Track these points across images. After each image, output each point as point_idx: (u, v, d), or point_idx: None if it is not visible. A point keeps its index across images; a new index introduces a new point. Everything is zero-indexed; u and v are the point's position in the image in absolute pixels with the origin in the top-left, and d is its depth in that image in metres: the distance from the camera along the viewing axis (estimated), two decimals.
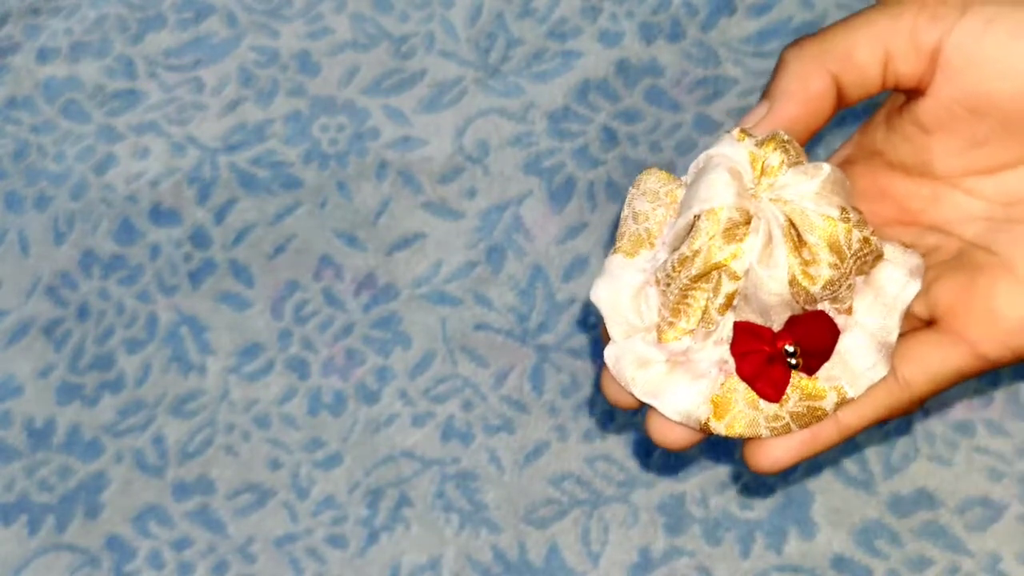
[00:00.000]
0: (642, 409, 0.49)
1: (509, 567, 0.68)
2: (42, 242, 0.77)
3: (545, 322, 0.73)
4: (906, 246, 0.50)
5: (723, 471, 0.69)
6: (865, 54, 0.49)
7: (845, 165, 0.53)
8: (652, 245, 0.50)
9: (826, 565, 0.67)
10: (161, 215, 0.78)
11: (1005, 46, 0.48)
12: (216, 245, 0.77)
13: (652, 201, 0.50)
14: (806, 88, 0.49)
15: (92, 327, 0.75)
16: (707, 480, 0.69)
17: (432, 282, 0.75)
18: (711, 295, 0.48)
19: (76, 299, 0.76)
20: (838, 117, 0.77)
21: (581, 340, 0.73)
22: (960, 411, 0.70)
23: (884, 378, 0.49)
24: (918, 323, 0.50)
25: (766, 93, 0.50)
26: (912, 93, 0.49)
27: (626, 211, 0.50)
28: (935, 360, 0.49)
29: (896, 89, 0.50)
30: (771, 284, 0.47)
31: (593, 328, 0.73)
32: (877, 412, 0.50)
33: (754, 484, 0.69)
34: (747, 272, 0.47)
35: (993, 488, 0.68)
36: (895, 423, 0.70)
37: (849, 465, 0.69)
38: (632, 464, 0.70)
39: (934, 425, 0.70)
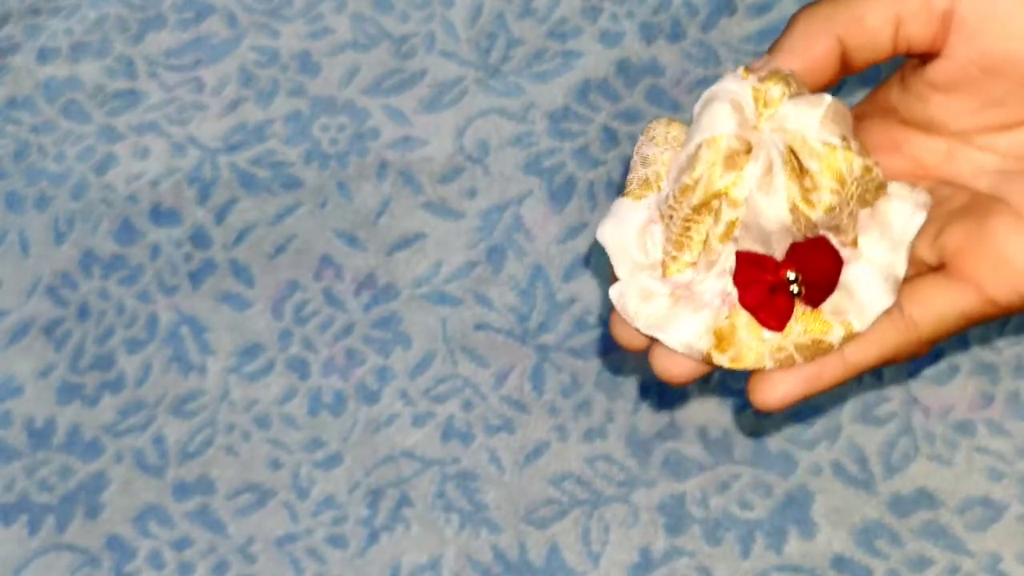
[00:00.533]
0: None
1: (509, 567, 0.68)
2: (42, 242, 0.77)
3: (545, 322, 0.73)
4: (913, 185, 0.50)
5: (723, 471, 0.70)
6: (875, 18, 0.49)
7: (858, 120, 0.53)
8: (659, 188, 0.50)
9: (826, 565, 0.67)
10: (161, 215, 0.78)
11: (1021, 5, 0.48)
12: (216, 245, 0.77)
13: (660, 145, 0.50)
14: (810, 48, 0.50)
15: (92, 327, 0.75)
16: (707, 480, 0.69)
17: (432, 282, 0.75)
18: (712, 224, 0.47)
19: (76, 299, 0.76)
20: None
21: (581, 340, 0.73)
22: (960, 411, 0.70)
23: (891, 316, 0.48)
24: (925, 268, 0.50)
25: (771, 49, 0.50)
26: (926, 56, 0.49)
27: (635, 157, 0.50)
28: (943, 302, 0.49)
29: (908, 54, 0.50)
30: (771, 210, 0.47)
31: (593, 328, 0.73)
32: (884, 351, 0.49)
33: (754, 483, 0.69)
34: (747, 199, 0.47)
35: (993, 488, 0.68)
36: (895, 423, 0.70)
37: (849, 465, 0.69)
38: (632, 464, 0.70)
39: (934, 425, 0.70)
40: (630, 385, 0.72)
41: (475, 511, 0.70)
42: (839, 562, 0.67)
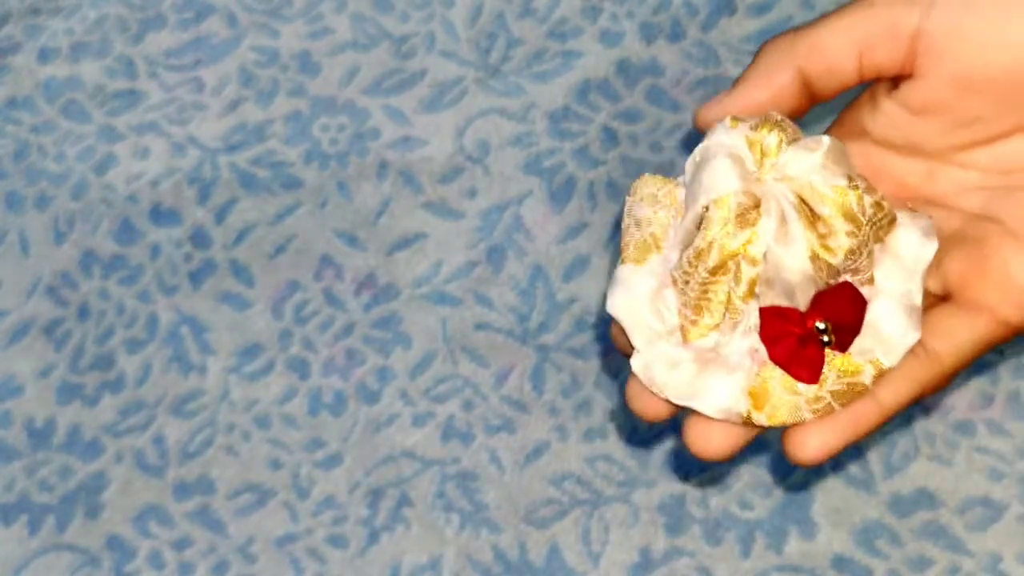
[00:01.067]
0: (674, 418, 0.48)
1: (509, 567, 0.68)
2: (42, 242, 0.77)
3: (546, 322, 0.73)
4: (911, 208, 0.50)
5: (724, 471, 0.70)
6: (837, 47, 0.49)
7: None
8: (660, 249, 0.49)
9: (826, 565, 0.67)
10: (161, 215, 0.78)
11: (990, 20, 0.47)
12: (216, 245, 0.77)
13: (652, 205, 0.49)
14: (772, 80, 0.49)
15: (92, 327, 0.75)
16: (707, 480, 0.69)
17: (432, 282, 0.75)
18: (732, 284, 0.47)
19: (76, 299, 0.76)
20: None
21: (582, 340, 0.73)
22: (961, 411, 0.70)
23: (915, 352, 0.48)
24: (933, 299, 0.50)
25: (737, 81, 0.50)
26: (897, 79, 0.49)
27: (627, 220, 0.49)
28: (961, 332, 0.49)
29: (877, 79, 0.50)
30: (792, 262, 0.46)
31: (593, 328, 0.73)
32: (913, 388, 0.49)
33: (754, 483, 0.69)
34: (765, 255, 0.46)
35: (993, 488, 0.68)
36: (895, 423, 0.70)
37: (849, 465, 0.69)
38: (632, 464, 0.70)
39: (934, 425, 0.70)
40: None
41: (475, 511, 0.70)
42: (839, 562, 0.67)
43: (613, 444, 0.71)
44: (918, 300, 0.48)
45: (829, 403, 0.48)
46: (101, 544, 0.70)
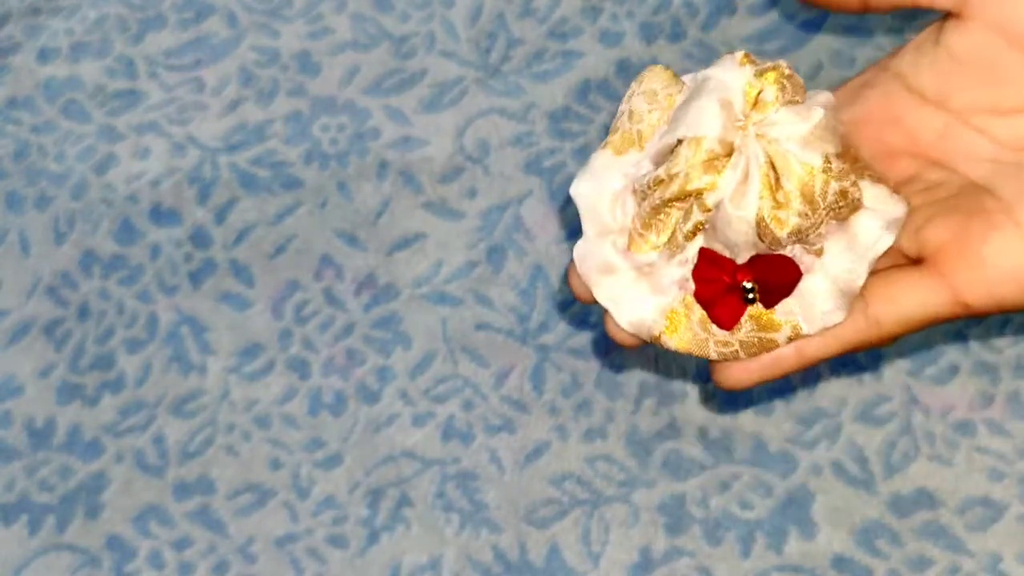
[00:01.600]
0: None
1: (509, 567, 0.68)
2: (43, 242, 0.77)
3: (546, 322, 0.73)
4: (896, 191, 0.50)
5: (724, 471, 0.70)
6: None
7: (864, 88, 0.52)
8: (641, 147, 0.50)
9: (826, 565, 0.67)
10: (161, 215, 0.78)
11: None
12: (216, 245, 0.77)
13: (650, 102, 0.50)
14: None
15: (92, 327, 0.75)
16: (707, 480, 0.69)
17: (432, 282, 0.75)
18: (681, 220, 0.48)
19: (76, 299, 0.76)
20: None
21: (582, 340, 0.73)
22: (961, 411, 0.70)
23: (855, 311, 0.49)
24: (903, 259, 0.50)
25: None
26: (948, 15, 0.49)
27: (623, 106, 0.50)
28: (911, 302, 0.49)
29: (932, 7, 0.50)
30: (738, 224, 0.47)
31: (593, 328, 0.73)
32: (841, 346, 0.50)
33: (754, 483, 0.69)
34: (718, 206, 0.47)
35: (993, 488, 0.68)
36: (895, 423, 0.70)
37: (849, 465, 0.69)
38: (632, 464, 0.70)
39: (934, 425, 0.70)
40: (630, 385, 0.72)
41: (475, 511, 0.70)
42: (839, 562, 0.67)
43: (613, 444, 0.71)
44: (858, 285, 0.49)
45: (736, 350, 0.49)
46: (101, 544, 0.70)
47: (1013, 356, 0.71)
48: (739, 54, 0.48)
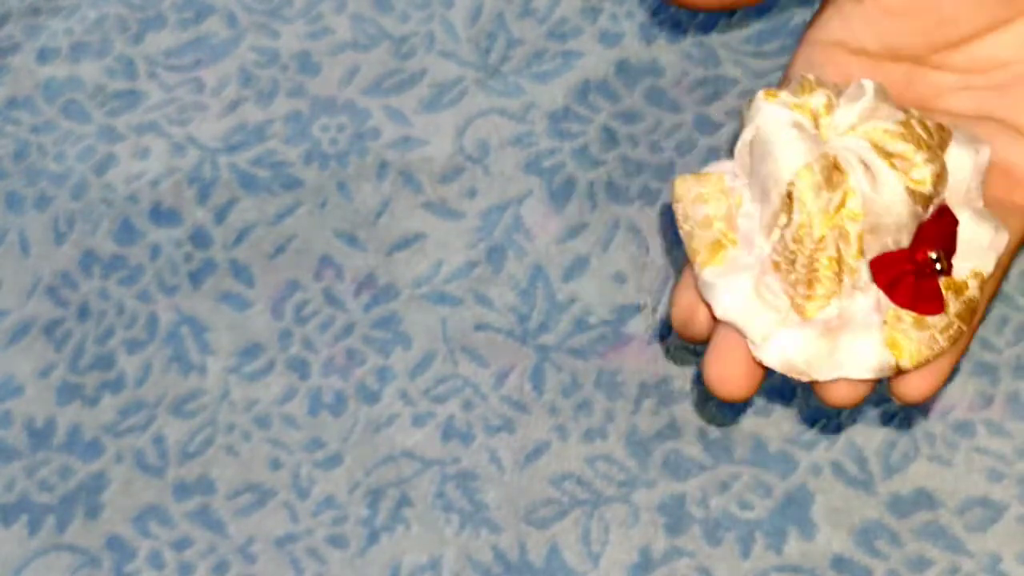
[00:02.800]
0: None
1: (509, 567, 0.68)
2: (42, 242, 0.77)
3: (546, 322, 0.73)
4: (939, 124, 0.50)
5: (723, 471, 0.70)
6: None
7: (807, 68, 0.52)
8: (733, 241, 0.49)
9: (826, 565, 0.67)
10: (161, 215, 0.78)
11: None
12: (216, 245, 0.77)
13: (704, 203, 0.49)
14: None
15: (92, 327, 0.75)
16: (707, 480, 0.69)
17: (432, 282, 0.75)
18: (842, 246, 0.47)
19: (76, 299, 0.76)
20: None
21: (582, 340, 0.73)
22: (960, 411, 0.70)
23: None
24: None
25: None
26: None
27: (684, 226, 0.49)
28: (1014, 225, 0.50)
29: None
30: (893, 205, 0.47)
31: (593, 328, 0.73)
32: (989, 287, 0.50)
33: (753, 484, 0.69)
34: (864, 206, 0.47)
35: (993, 489, 0.68)
36: (895, 423, 0.70)
37: (849, 465, 0.69)
38: (632, 464, 0.70)
39: (934, 425, 0.70)
40: (630, 385, 0.72)
41: (475, 511, 0.70)
42: (839, 562, 0.67)
43: (613, 444, 0.71)
44: (982, 204, 0.49)
45: (958, 326, 0.48)
46: (101, 544, 0.70)
47: (1012, 356, 0.71)
48: (759, 95, 0.48)
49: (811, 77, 0.47)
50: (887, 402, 0.70)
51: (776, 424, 0.70)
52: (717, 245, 0.49)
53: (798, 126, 0.47)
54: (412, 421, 0.72)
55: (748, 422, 0.70)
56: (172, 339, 0.75)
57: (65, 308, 0.76)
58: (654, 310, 0.73)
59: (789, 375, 0.49)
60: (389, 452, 0.71)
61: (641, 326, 0.73)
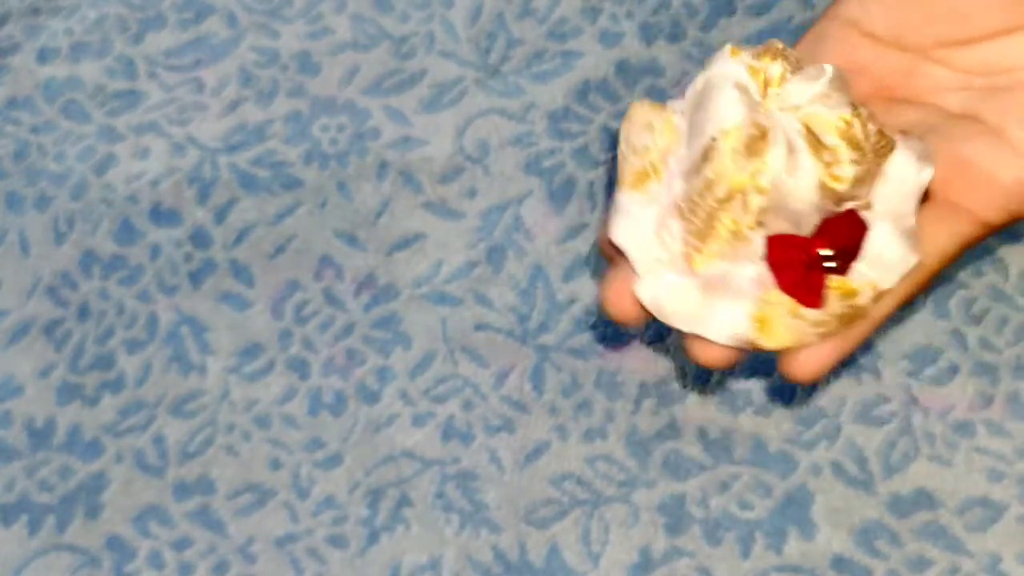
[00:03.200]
0: (652, 330, 0.50)
1: (509, 567, 0.68)
2: (42, 242, 0.77)
3: (546, 322, 0.73)
4: (904, 133, 0.50)
5: (723, 471, 0.70)
6: None
7: (819, 41, 0.52)
8: (659, 176, 0.49)
9: (826, 565, 0.67)
10: (161, 215, 0.78)
11: None
12: (216, 245, 0.77)
13: (649, 132, 0.49)
14: None
15: (92, 327, 0.75)
16: (707, 480, 0.69)
17: (432, 282, 0.75)
18: (740, 214, 0.47)
19: (76, 299, 0.76)
20: None
21: (581, 340, 0.73)
22: (960, 411, 0.70)
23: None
24: None
25: None
26: None
27: (623, 147, 0.50)
28: (943, 235, 0.49)
29: None
30: (800, 192, 0.47)
31: (594, 328, 0.73)
32: (898, 297, 0.50)
33: (753, 484, 0.69)
34: (774, 184, 0.47)
35: (993, 488, 0.68)
36: (895, 423, 0.70)
37: (849, 465, 0.69)
38: (632, 464, 0.70)
39: (934, 425, 0.70)
40: (630, 385, 0.72)
41: (475, 511, 0.70)
42: (839, 563, 0.67)
43: (613, 444, 0.71)
44: (912, 223, 0.49)
45: (832, 324, 0.49)
46: (101, 544, 0.70)
47: (1012, 356, 0.71)
48: (727, 48, 0.48)
49: (780, 45, 0.48)
50: (888, 401, 0.70)
51: (776, 424, 0.70)
52: (643, 175, 0.49)
53: (741, 88, 0.47)
54: (412, 421, 0.72)
55: (748, 422, 0.70)
56: (172, 339, 0.75)
57: (65, 308, 0.76)
58: None
59: (654, 315, 0.50)
60: (389, 452, 0.71)
61: (641, 326, 0.73)
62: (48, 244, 0.77)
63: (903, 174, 0.49)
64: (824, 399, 0.71)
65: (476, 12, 0.82)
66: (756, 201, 0.47)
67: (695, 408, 0.71)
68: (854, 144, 0.47)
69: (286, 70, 0.81)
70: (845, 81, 0.48)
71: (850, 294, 0.49)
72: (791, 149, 0.47)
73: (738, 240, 0.48)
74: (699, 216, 0.48)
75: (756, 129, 0.47)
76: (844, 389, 0.71)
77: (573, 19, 0.81)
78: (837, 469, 0.69)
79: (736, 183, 0.47)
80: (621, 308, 0.50)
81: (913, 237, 0.49)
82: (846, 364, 0.72)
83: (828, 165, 0.47)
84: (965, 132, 0.49)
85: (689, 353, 0.50)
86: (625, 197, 0.49)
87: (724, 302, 0.49)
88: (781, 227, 0.48)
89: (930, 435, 0.69)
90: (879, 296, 0.49)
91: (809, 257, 0.48)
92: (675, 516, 0.69)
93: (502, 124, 0.78)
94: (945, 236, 0.49)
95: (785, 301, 0.48)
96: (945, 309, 0.72)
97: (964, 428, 0.69)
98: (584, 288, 0.74)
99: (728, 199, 0.47)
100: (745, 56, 0.48)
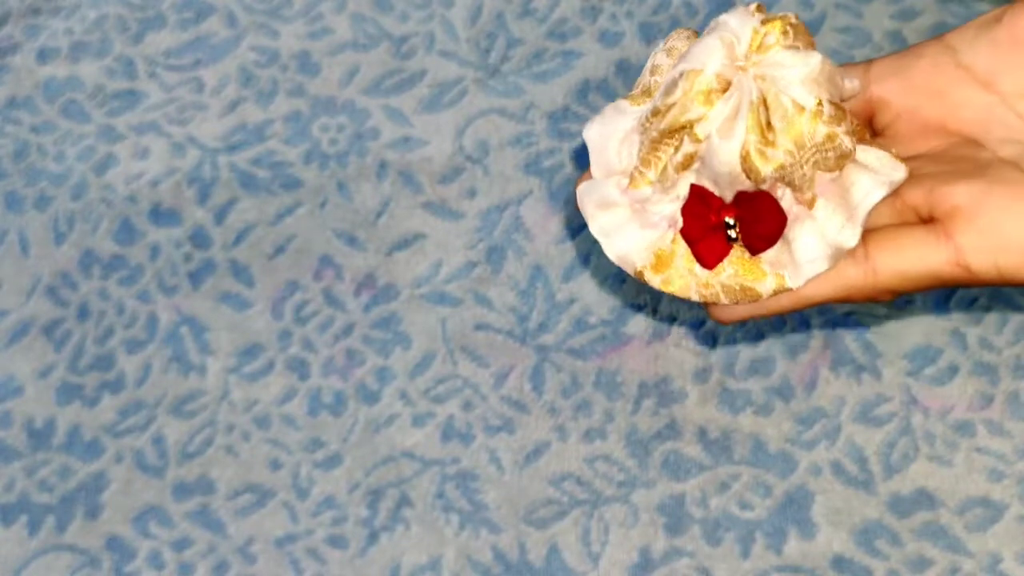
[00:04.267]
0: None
1: (509, 567, 0.68)
2: (42, 242, 0.77)
3: (545, 322, 0.73)
4: (902, 159, 0.50)
5: (723, 471, 0.70)
6: None
7: (913, 56, 0.52)
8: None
9: (826, 565, 0.67)
10: (161, 215, 0.78)
11: None
12: (216, 245, 0.77)
13: (672, 57, 0.51)
14: None
15: (92, 327, 0.75)
16: (707, 481, 0.69)
17: (432, 282, 0.75)
18: (672, 152, 0.49)
19: (76, 299, 0.76)
20: None
21: (581, 340, 0.73)
22: (960, 411, 0.70)
23: (854, 257, 0.49)
24: (914, 218, 0.50)
25: None
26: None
27: (648, 62, 0.51)
28: (912, 256, 0.49)
29: None
30: (723, 155, 0.48)
31: (593, 328, 0.73)
32: (835, 291, 0.50)
33: (753, 484, 0.69)
34: (707, 137, 0.48)
35: (993, 488, 0.68)
36: (895, 423, 0.70)
37: (849, 465, 0.69)
38: (632, 464, 0.70)
39: (934, 425, 0.70)
40: (630, 385, 0.72)
41: (475, 511, 0.70)
42: (839, 562, 0.67)
43: (613, 444, 0.71)
44: (849, 241, 0.49)
45: (717, 292, 0.50)
46: (101, 544, 0.70)
47: (1012, 356, 0.71)
48: (753, 4, 0.49)
49: (792, 18, 0.49)
50: (887, 401, 0.70)
51: (776, 424, 0.70)
52: (646, 92, 0.51)
53: (726, 42, 0.48)
54: (412, 421, 0.72)
55: (748, 422, 0.70)
56: (172, 339, 0.75)
57: (65, 308, 0.76)
58: (654, 310, 0.73)
59: (580, 207, 0.51)
60: (389, 452, 0.71)
61: (641, 326, 0.73)
62: (48, 244, 0.77)
63: (856, 190, 0.49)
64: (824, 399, 0.71)
65: (476, 12, 0.82)
66: (688, 147, 0.48)
67: (695, 408, 0.71)
68: (796, 136, 0.48)
69: (286, 70, 0.81)
70: (832, 78, 0.48)
71: (750, 275, 0.50)
72: (736, 113, 0.48)
73: (665, 176, 0.49)
74: (646, 141, 0.49)
75: (719, 82, 0.48)
76: (843, 389, 0.71)
77: (573, 19, 0.81)
78: (837, 469, 0.69)
79: (677, 121, 0.48)
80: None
81: (836, 250, 0.49)
82: (848, 365, 0.72)
83: (764, 143, 0.48)
84: (998, 176, 0.49)
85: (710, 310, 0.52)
86: (617, 104, 0.51)
87: (635, 226, 0.50)
88: (706, 181, 0.49)
89: (930, 435, 0.69)
90: (781, 291, 0.50)
91: (716, 219, 0.49)
92: (675, 516, 0.69)
93: (502, 124, 0.78)
94: (916, 257, 0.49)
95: (686, 250, 0.50)
96: (945, 309, 0.72)
97: (964, 428, 0.69)
98: (584, 288, 0.74)
99: (669, 133, 0.48)
100: (759, 17, 0.49)
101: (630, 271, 0.50)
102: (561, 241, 0.75)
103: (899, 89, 0.52)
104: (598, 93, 0.79)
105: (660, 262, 0.50)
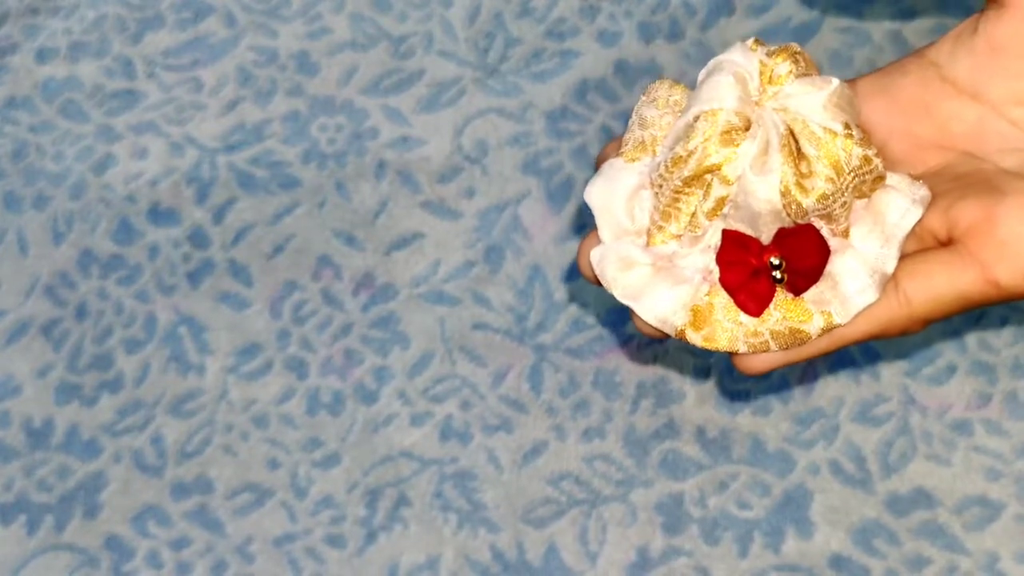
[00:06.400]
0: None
1: (507, 567, 0.68)
2: (41, 242, 0.77)
3: (543, 322, 0.73)
4: (915, 178, 0.49)
5: (721, 471, 0.70)
6: None
7: (896, 74, 0.52)
8: (654, 152, 0.49)
9: (824, 565, 0.67)
10: (160, 215, 0.78)
11: None
12: (215, 245, 0.77)
13: (660, 108, 0.49)
14: None
15: (91, 327, 0.75)
16: (705, 480, 0.69)
17: (430, 282, 0.75)
18: (701, 199, 0.47)
19: (75, 299, 0.76)
20: None
21: (579, 340, 0.73)
22: (958, 410, 0.70)
23: (887, 290, 0.48)
24: (933, 241, 0.49)
25: None
26: (990, 4, 0.49)
27: (633, 117, 0.49)
28: (942, 281, 0.48)
29: None
30: (762, 192, 0.46)
31: (591, 328, 0.73)
32: (871, 327, 0.49)
33: (752, 483, 0.69)
34: (740, 178, 0.46)
35: (991, 487, 0.68)
36: (893, 422, 0.70)
37: (847, 465, 0.69)
38: (630, 463, 0.70)
39: (932, 425, 0.70)
40: (628, 385, 0.72)
41: (473, 511, 0.70)
42: (837, 562, 0.67)
43: (611, 444, 0.71)
44: (889, 267, 0.48)
45: (767, 341, 0.48)
46: (99, 544, 0.70)
47: (1010, 356, 0.71)
48: (750, 40, 0.48)
49: (796, 48, 0.47)
50: (886, 401, 0.70)
51: (774, 424, 0.70)
52: (641, 147, 0.49)
53: (739, 77, 0.47)
54: (410, 421, 0.72)
55: (746, 422, 0.70)
56: (170, 339, 0.75)
57: (63, 308, 0.76)
58: None
59: (598, 275, 0.49)
60: (387, 452, 0.71)
61: None
62: (46, 244, 0.77)
63: (891, 214, 0.48)
64: (822, 399, 0.71)
65: (474, 12, 0.82)
66: (718, 190, 0.46)
67: (693, 408, 0.71)
68: (833, 162, 0.46)
69: (284, 70, 0.81)
70: (850, 100, 0.47)
71: (797, 317, 0.48)
72: (767, 148, 0.46)
73: (695, 226, 0.47)
74: (665, 192, 0.47)
75: (739, 119, 0.46)
76: (842, 389, 0.71)
77: (571, 19, 0.81)
78: (835, 468, 0.69)
79: (703, 166, 0.46)
80: (583, 265, 0.50)
81: (881, 277, 0.48)
82: (844, 365, 0.72)
83: (801, 175, 0.46)
84: (1007, 187, 0.49)
85: (633, 320, 0.50)
86: (614, 162, 0.49)
87: (666, 284, 0.48)
88: (739, 224, 0.47)
89: (928, 434, 0.69)
90: (830, 328, 0.48)
91: (759, 262, 0.47)
92: (673, 515, 0.69)
93: (500, 124, 0.78)
94: (947, 284, 0.48)
95: (725, 301, 0.47)
96: None
97: (962, 427, 0.69)
98: (582, 288, 0.74)
99: (693, 180, 0.46)
100: (761, 51, 0.47)
101: (671, 332, 0.48)
102: (559, 241, 0.75)
103: (886, 108, 0.51)
104: (596, 93, 0.79)
105: (698, 318, 0.48)
